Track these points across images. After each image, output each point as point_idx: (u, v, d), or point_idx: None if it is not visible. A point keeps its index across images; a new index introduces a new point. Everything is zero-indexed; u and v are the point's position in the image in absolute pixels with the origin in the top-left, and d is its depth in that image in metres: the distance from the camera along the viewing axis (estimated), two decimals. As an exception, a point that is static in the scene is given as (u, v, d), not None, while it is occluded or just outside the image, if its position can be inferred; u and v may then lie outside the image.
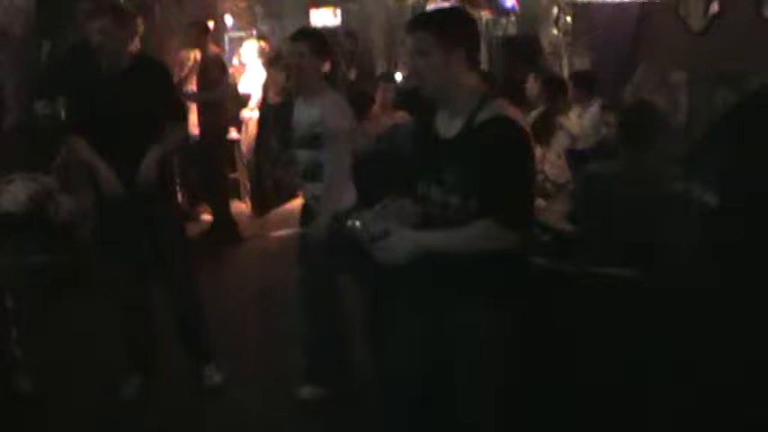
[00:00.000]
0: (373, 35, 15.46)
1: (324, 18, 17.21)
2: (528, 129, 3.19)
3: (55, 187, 4.99)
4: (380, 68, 14.27)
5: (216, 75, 8.77)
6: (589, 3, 6.86)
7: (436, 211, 3.22)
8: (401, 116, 7.77)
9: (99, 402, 5.05)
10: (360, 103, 7.57)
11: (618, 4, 6.46)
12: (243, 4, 15.57)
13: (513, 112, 3.14)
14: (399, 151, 6.86)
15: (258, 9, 16.09)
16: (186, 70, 9.05)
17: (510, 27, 9.56)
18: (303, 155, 4.92)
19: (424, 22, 3.25)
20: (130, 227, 4.93)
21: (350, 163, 4.95)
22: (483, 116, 3.09)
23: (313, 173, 4.87)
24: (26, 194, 4.87)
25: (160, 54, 11.62)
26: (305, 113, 4.92)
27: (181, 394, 5.21)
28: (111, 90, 4.81)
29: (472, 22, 3.34)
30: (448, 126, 3.22)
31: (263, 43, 11.67)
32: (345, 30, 15.35)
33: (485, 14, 9.26)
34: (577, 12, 9.12)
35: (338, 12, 16.96)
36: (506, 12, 8.55)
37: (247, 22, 15.81)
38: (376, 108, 7.92)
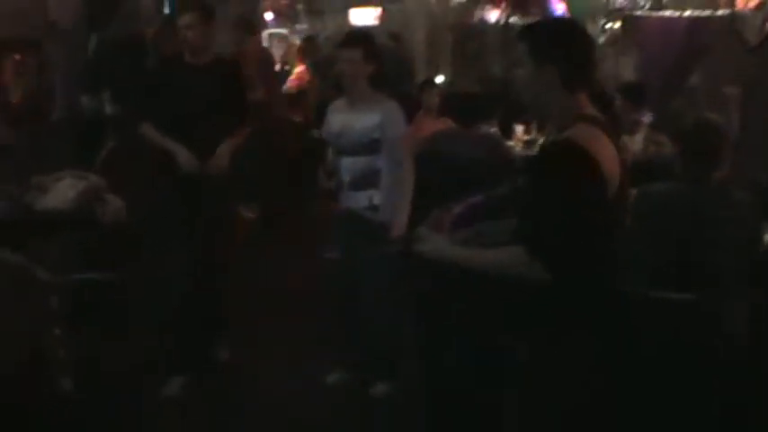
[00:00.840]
0: (415, 37, 15.37)
1: (364, 17, 17.20)
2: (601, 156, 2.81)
3: (103, 186, 4.94)
4: (422, 72, 14.18)
5: (265, 73, 8.73)
6: (640, 15, 6.74)
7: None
8: (444, 122, 7.70)
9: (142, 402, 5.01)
10: (405, 107, 7.51)
11: (668, 17, 6.35)
12: (284, 1, 15.58)
13: (592, 138, 2.84)
14: (443, 159, 6.82)
15: (299, 6, 16.08)
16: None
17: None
18: (357, 162, 4.86)
19: (524, 32, 3.08)
20: (187, 219, 5.09)
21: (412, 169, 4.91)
22: (556, 138, 2.92)
23: (368, 180, 4.84)
24: (75, 192, 4.82)
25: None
26: (356, 120, 4.86)
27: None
28: (193, 83, 5.05)
29: (577, 38, 3.04)
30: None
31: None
32: (389, 31, 15.28)
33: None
34: (627, 22, 9.02)
35: (379, 12, 16.95)
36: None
37: (288, 19, 15.83)
38: (421, 113, 7.87)
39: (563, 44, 2.96)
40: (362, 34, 5.15)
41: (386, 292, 4.92)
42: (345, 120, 4.92)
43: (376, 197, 4.86)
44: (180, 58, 5.19)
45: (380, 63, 5.07)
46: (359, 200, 4.93)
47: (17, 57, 6.03)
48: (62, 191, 4.83)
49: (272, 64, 9.17)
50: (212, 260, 5.25)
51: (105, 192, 4.96)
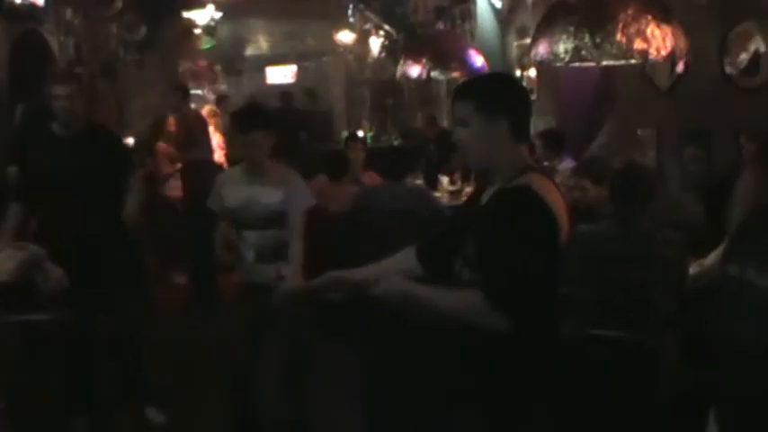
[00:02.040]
0: (332, 93, 15.58)
1: (280, 75, 17.37)
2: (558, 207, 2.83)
3: (43, 255, 4.92)
4: (339, 127, 14.38)
5: (199, 134, 8.83)
6: (546, 66, 6.97)
7: (451, 285, 2.94)
8: (371, 176, 7.83)
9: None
10: (337, 164, 7.63)
11: (580, 68, 6.58)
12: (202, 63, 15.67)
13: (544, 185, 2.84)
14: (371, 214, 6.93)
15: (217, 68, 16.19)
16: (168, 132, 9.13)
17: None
18: (264, 236, 4.76)
19: (466, 90, 3.05)
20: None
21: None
22: (508, 185, 2.86)
23: (276, 253, 4.71)
24: (14, 262, 4.78)
25: (124, 113, 11.74)
26: (259, 194, 4.76)
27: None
28: (69, 151, 5.09)
29: (519, 91, 3.12)
30: (486, 196, 2.99)
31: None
32: (304, 87, 15.47)
33: (455, 76, 9.37)
34: (542, 73, 9.31)
35: (294, 69, 17.14)
36: (477, 72, 8.66)
37: (205, 80, 15.92)
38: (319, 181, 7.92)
39: (511, 97, 2.98)
40: (259, 114, 5.03)
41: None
42: (247, 193, 4.79)
43: (284, 269, 4.68)
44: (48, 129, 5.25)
45: (280, 134, 5.07)
46: (267, 273, 4.74)
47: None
48: (2, 261, 4.78)
49: (207, 125, 9.28)
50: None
51: (45, 261, 4.93)
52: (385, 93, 13.99)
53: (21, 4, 8.34)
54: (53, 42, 9.59)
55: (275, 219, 4.72)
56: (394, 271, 3.14)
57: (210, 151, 9.29)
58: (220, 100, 13.54)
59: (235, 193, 4.82)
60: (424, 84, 11.97)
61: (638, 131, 7.77)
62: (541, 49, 5.68)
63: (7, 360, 4.92)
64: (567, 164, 7.52)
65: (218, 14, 14.08)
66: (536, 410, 2.84)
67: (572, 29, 5.50)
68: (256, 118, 4.87)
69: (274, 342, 4.87)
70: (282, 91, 14.69)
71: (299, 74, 17.03)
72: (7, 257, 4.84)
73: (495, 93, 2.96)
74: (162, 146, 9.30)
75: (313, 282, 3.33)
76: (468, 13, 11.74)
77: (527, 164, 2.96)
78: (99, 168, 5.14)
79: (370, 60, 14.33)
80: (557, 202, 2.82)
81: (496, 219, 2.81)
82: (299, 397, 4.96)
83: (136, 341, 5.58)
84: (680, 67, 6.86)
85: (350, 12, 14.59)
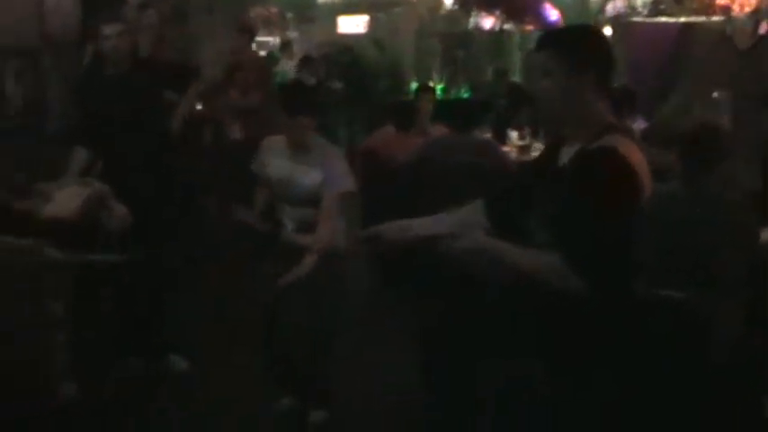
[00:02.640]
0: (403, 45, 15.45)
1: (352, 25, 17.30)
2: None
3: (107, 193, 4.95)
4: (409, 78, 14.25)
5: (257, 80, 8.75)
6: (630, 21, 6.80)
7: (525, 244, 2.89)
8: (439, 129, 7.76)
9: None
10: (405, 115, 7.57)
11: (658, 23, 6.40)
12: (274, 10, 15.63)
13: (629, 148, 2.75)
14: (437, 165, 6.87)
15: (289, 15, 16.15)
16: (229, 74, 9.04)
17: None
18: (303, 213, 4.72)
19: (552, 40, 2.95)
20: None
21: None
22: (593, 146, 2.76)
23: (312, 228, 4.65)
24: (80, 200, 4.82)
25: (194, 58, 11.76)
26: (299, 173, 4.71)
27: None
28: (118, 91, 5.21)
29: (605, 43, 3.00)
30: (565, 154, 2.90)
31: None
32: (374, 38, 15.39)
33: (529, 29, 9.23)
34: (617, 28, 9.10)
35: (366, 19, 17.04)
36: (551, 26, 8.51)
37: (276, 27, 15.91)
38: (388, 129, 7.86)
39: (597, 49, 2.89)
40: (305, 95, 5.06)
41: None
42: (288, 169, 4.75)
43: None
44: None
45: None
46: (306, 240, 4.68)
47: (16, 65, 6.06)
48: (66, 199, 4.82)
49: (269, 71, 9.19)
50: None
51: (110, 199, 4.97)
52: (456, 45, 13.84)
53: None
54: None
55: (313, 199, 4.66)
56: (460, 223, 3.09)
57: (269, 99, 9.17)
58: (285, 47, 13.55)
59: (277, 164, 4.79)
60: (497, 36, 11.83)
61: (714, 94, 7.57)
62: (619, 3, 5.55)
63: (70, 297, 5.00)
64: (638, 124, 7.37)
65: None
66: (600, 374, 2.80)
67: (652, -18, 5.37)
68: (302, 101, 4.81)
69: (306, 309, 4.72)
70: (344, 47, 14.69)
71: (371, 24, 16.93)
72: (72, 195, 4.89)
73: (582, 43, 2.87)
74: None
75: (378, 228, 3.20)
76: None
77: (610, 122, 2.86)
78: (143, 107, 5.26)
79: (442, 12, 14.16)
80: (641, 165, 2.74)
81: (583, 182, 2.72)
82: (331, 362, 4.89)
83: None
84: (763, 28, 6.65)
85: (423, -38, 14.46)
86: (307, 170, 4.69)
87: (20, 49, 6.22)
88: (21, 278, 4.38)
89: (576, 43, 2.86)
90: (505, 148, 8.32)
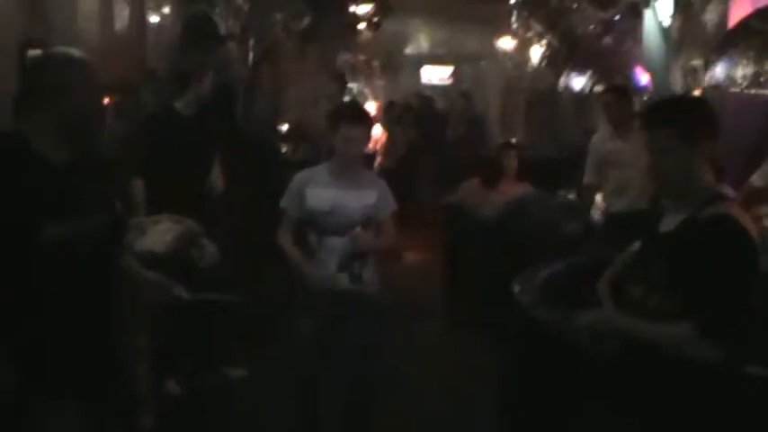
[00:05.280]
0: (488, 98, 15.47)
1: (437, 75, 17.39)
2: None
3: (199, 231, 5.04)
4: (494, 133, 14.26)
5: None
6: (729, 92, 6.73)
7: (632, 311, 2.94)
8: (525, 187, 7.77)
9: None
10: (491, 170, 7.60)
11: (756, 95, 6.34)
12: (362, 57, 15.81)
13: (741, 214, 2.83)
14: (527, 222, 6.87)
15: (375, 63, 16.30)
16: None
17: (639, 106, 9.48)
18: (346, 242, 4.48)
19: (666, 117, 2.95)
20: None
21: None
22: (707, 213, 2.80)
23: (356, 259, 4.49)
24: (172, 236, 4.91)
25: (281, 99, 11.96)
26: (350, 198, 4.51)
27: None
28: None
29: (713, 114, 3.00)
30: (667, 221, 2.97)
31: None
32: (460, 90, 15.45)
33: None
34: (715, 98, 9.01)
35: (452, 70, 17.13)
36: (640, 90, 8.48)
37: (363, 74, 16.06)
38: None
39: (711, 122, 2.93)
40: (365, 112, 4.83)
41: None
42: (336, 196, 4.50)
43: (354, 268, 4.51)
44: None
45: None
46: (344, 280, 4.50)
47: (117, 100, 6.22)
48: (160, 233, 4.92)
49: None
50: None
51: (201, 236, 5.06)
52: (542, 103, 13.83)
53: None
54: (221, 25, 9.85)
55: (360, 223, 4.47)
56: None
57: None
58: (389, 107, 13.76)
59: (322, 195, 4.53)
60: (585, 97, 11.81)
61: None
62: (718, 72, 5.52)
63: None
64: (728, 194, 7.28)
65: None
66: None
67: (753, 53, 5.33)
68: (362, 114, 4.67)
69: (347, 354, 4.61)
70: (423, 95, 14.83)
71: (456, 76, 17.01)
72: (165, 230, 4.99)
73: (696, 118, 2.91)
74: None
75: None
76: (635, 30, 11.49)
77: (719, 191, 2.91)
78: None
79: (528, 69, 14.16)
80: (753, 232, 2.80)
81: (706, 251, 2.74)
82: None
83: None
84: None
85: (513, 18, 14.45)
86: (358, 193, 4.53)
87: (122, 86, 6.37)
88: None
89: (694, 119, 2.90)
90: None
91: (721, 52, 5.67)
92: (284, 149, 10.32)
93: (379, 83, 16.12)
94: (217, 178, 5.94)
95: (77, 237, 2.83)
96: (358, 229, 4.42)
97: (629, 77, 8.97)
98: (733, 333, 2.71)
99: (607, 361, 2.98)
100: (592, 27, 12.45)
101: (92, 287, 2.93)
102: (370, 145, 10.47)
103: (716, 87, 5.84)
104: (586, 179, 6.79)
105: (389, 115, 13.79)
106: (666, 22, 10.64)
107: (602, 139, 6.72)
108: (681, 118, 2.91)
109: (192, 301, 3.41)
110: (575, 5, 12.37)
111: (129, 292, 3.38)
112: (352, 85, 15.91)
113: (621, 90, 6.99)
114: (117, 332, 3.18)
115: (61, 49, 3.11)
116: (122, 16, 7.45)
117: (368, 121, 4.62)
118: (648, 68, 9.48)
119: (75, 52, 3.00)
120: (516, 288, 4.48)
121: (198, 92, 5.69)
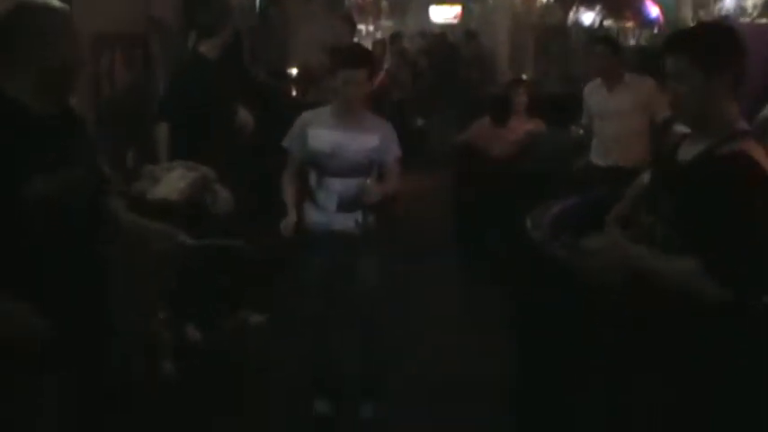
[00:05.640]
0: (496, 36, 15.36)
1: (444, 15, 17.29)
2: None
3: (213, 177, 5.07)
4: (502, 70, 14.19)
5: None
6: (739, 22, 6.65)
7: (641, 240, 2.89)
8: (536, 123, 7.75)
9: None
10: (500, 108, 7.58)
11: (762, 24, 6.25)
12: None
13: (756, 150, 2.71)
14: (536, 160, 6.88)
15: (383, 3, 16.20)
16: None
17: (648, 39, 9.37)
18: (349, 184, 4.52)
19: (685, 41, 2.85)
20: None
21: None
22: (724, 149, 2.72)
23: (358, 202, 4.50)
24: (185, 183, 4.94)
25: (289, 42, 11.89)
26: (352, 140, 4.51)
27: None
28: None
29: (738, 42, 2.82)
30: (685, 150, 2.89)
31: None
32: (466, 29, 15.36)
33: (629, 25, 9.12)
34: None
35: (459, 10, 17.02)
36: (650, 23, 8.40)
37: (370, 15, 15.97)
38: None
39: (734, 50, 2.79)
40: (366, 54, 4.82)
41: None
42: (339, 138, 4.50)
43: (360, 217, 4.58)
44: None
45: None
46: (347, 221, 4.58)
47: (124, 51, 6.18)
48: (173, 181, 4.95)
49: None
50: None
51: (214, 183, 5.09)
52: (551, 38, 13.71)
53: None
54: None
55: (363, 166, 4.52)
56: None
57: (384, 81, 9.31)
58: (394, 38, 13.65)
59: (324, 136, 4.53)
60: (594, 31, 11.70)
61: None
62: (728, 2, 5.46)
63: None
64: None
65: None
66: (728, 384, 2.76)
67: (763, -17, 5.28)
68: (361, 56, 4.60)
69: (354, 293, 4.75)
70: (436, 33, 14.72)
71: (463, 14, 16.90)
72: (179, 177, 5.02)
73: (710, 45, 2.79)
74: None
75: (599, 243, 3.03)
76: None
77: (740, 126, 2.80)
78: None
79: (537, 5, 14.02)
80: None
81: (717, 187, 2.67)
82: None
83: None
84: None
85: (520, -46, 14.33)
86: (360, 136, 4.52)
87: (128, 36, 6.33)
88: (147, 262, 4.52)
89: (707, 46, 2.78)
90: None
91: (731, -18, 5.61)
92: (294, 93, 10.27)
93: (387, 24, 16.03)
94: (246, 116, 5.95)
95: (65, 191, 2.70)
96: (368, 181, 4.45)
97: (640, 10, 8.86)
98: (742, 271, 2.61)
99: (615, 293, 2.94)
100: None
101: (81, 247, 2.83)
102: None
103: (726, 17, 5.76)
104: (584, 120, 6.79)
105: (395, 47, 13.71)
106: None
107: (591, 88, 6.67)
108: (693, 44, 2.80)
109: (197, 247, 3.38)
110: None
111: (137, 243, 3.34)
112: (361, 27, 15.85)
113: (610, 41, 6.94)
114: (109, 297, 3.04)
115: None
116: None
117: (368, 64, 4.56)
118: (658, 0, 9.38)
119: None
120: (528, 224, 4.50)
121: (224, 38, 5.72)
